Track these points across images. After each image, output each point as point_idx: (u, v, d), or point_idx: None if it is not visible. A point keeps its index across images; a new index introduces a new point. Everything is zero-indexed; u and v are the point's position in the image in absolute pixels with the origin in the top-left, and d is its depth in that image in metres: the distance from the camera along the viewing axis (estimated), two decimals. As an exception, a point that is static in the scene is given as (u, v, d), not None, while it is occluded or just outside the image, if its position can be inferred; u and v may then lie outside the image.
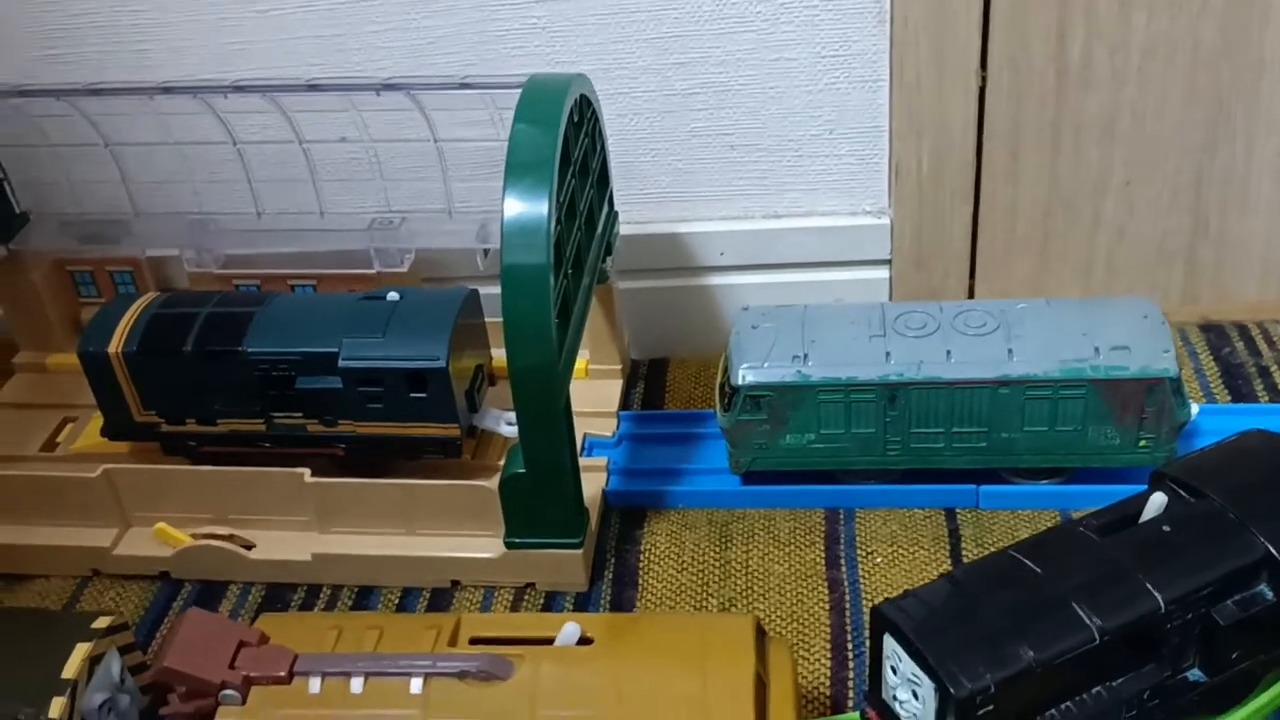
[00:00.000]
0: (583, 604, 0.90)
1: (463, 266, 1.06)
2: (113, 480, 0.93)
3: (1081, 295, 1.11)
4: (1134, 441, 0.90)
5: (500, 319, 0.79)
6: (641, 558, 0.93)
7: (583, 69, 0.95)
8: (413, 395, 0.90)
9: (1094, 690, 0.65)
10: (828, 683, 0.82)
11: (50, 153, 1.05)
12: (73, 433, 1.05)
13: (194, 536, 0.93)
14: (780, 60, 1.03)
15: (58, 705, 0.71)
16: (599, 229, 0.97)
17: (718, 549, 0.93)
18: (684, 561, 0.93)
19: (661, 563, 0.93)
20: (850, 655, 0.84)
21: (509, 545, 0.89)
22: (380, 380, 0.90)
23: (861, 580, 0.89)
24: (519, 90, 0.83)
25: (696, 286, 1.13)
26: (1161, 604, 0.64)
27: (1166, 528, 0.69)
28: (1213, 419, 0.97)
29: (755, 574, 0.91)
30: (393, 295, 0.93)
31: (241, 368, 0.91)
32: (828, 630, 0.86)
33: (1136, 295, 0.94)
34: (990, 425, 0.90)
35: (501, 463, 0.88)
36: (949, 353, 0.89)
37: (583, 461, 0.93)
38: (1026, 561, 0.67)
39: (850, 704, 0.81)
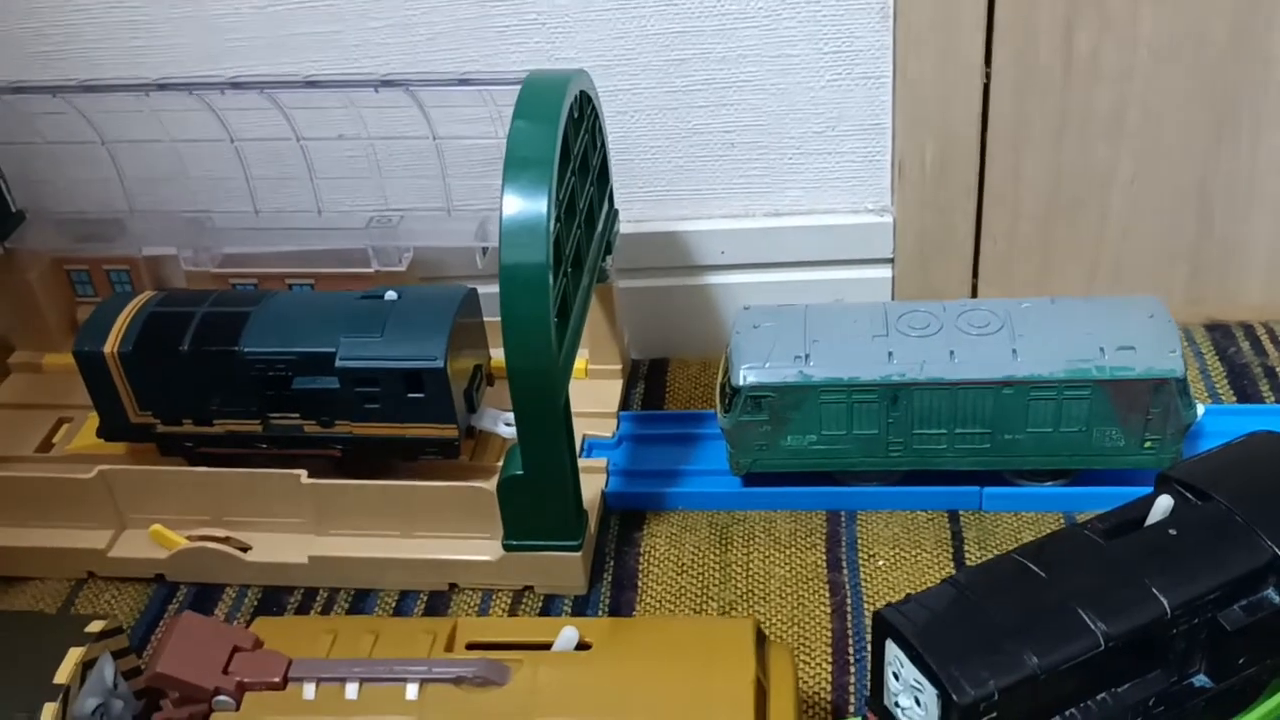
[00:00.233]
0: (581, 607, 0.89)
1: (461, 265, 1.06)
2: (108, 481, 0.93)
3: (1086, 295, 1.09)
4: (1139, 443, 0.89)
5: (499, 318, 0.79)
6: (641, 560, 0.92)
7: (582, 66, 0.94)
8: (410, 395, 0.89)
9: (1099, 696, 0.64)
10: (829, 688, 0.81)
11: (46, 150, 1.04)
12: (68, 433, 1.04)
13: (190, 538, 0.93)
14: (782, 56, 1.02)
15: (49, 711, 0.71)
16: (599, 227, 0.96)
17: (718, 551, 0.93)
18: (684, 564, 0.92)
19: (661, 565, 0.92)
20: (852, 660, 0.83)
21: (507, 547, 0.89)
22: (378, 380, 0.89)
23: (863, 583, 0.89)
24: (518, 87, 0.82)
25: (697, 285, 1.12)
26: (1168, 609, 0.64)
27: (1173, 531, 0.68)
28: (1219, 420, 0.96)
29: (756, 577, 0.90)
30: (390, 294, 0.92)
31: (238, 368, 0.91)
32: (829, 634, 0.85)
33: (1142, 294, 0.93)
34: (994, 426, 0.89)
35: (500, 464, 0.87)
36: (952, 353, 0.88)
37: (582, 463, 0.93)
38: (1030, 565, 0.66)
39: (852, 710, 0.80)
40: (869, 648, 0.67)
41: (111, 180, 1.04)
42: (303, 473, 0.90)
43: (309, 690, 0.70)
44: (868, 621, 0.84)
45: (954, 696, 0.60)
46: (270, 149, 1.02)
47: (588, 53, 1.02)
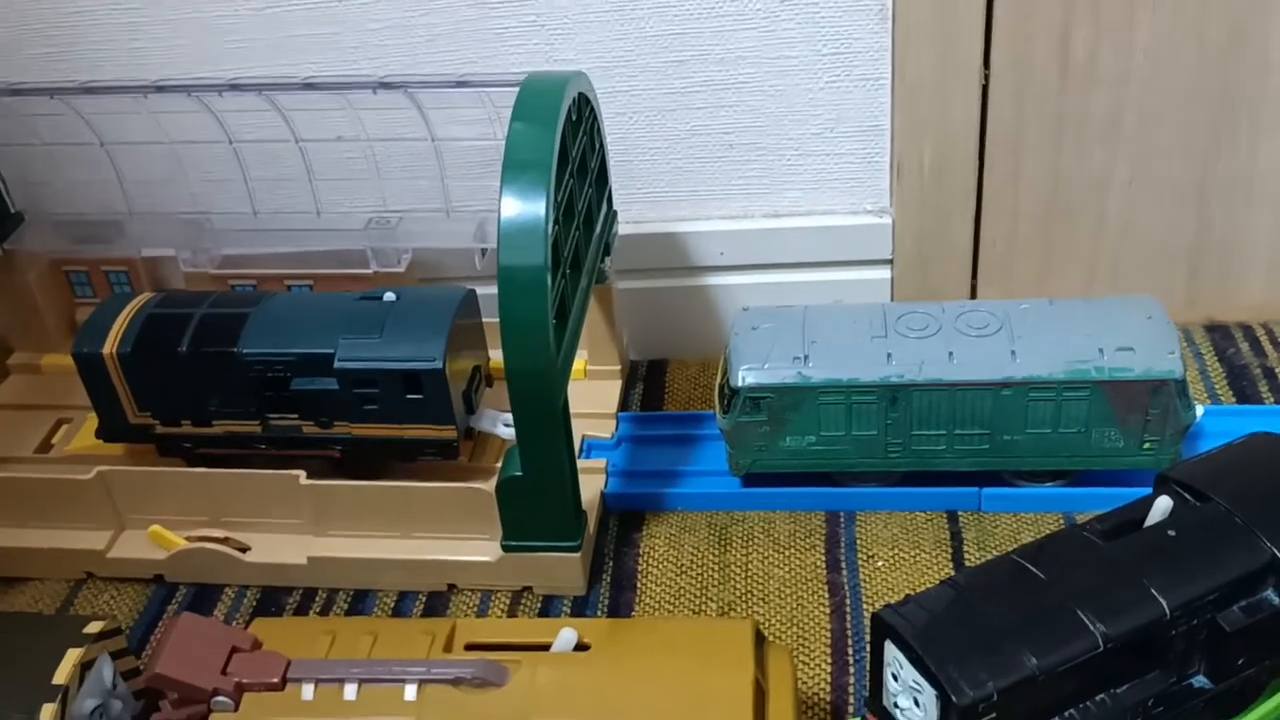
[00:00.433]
0: (580, 607, 0.89)
1: (460, 266, 1.06)
2: (107, 482, 0.93)
3: (1085, 296, 1.09)
4: (1138, 444, 0.89)
5: (498, 320, 0.78)
6: (640, 561, 0.92)
7: (581, 67, 0.94)
8: (409, 397, 0.89)
9: (1098, 697, 0.64)
10: (828, 689, 0.81)
11: (44, 152, 1.04)
12: (67, 434, 1.04)
13: (189, 539, 0.93)
14: (781, 58, 1.02)
15: (48, 712, 0.70)
16: (597, 228, 0.96)
17: (717, 552, 0.92)
18: (683, 565, 0.92)
19: (660, 566, 0.92)
20: (851, 661, 0.83)
21: (506, 548, 0.89)
22: (376, 381, 0.89)
23: (862, 584, 0.89)
24: (516, 88, 0.82)
25: (696, 287, 1.12)
26: (1167, 610, 0.64)
27: (1172, 532, 0.68)
28: (1218, 421, 0.96)
29: (755, 577, 0.90)
30: (389, 295, 0.92)
31: (237, 369, 0.91)
32: (828, 635, 0.85)
33: (1140, 295, 0.93)
34: (993, 427, 0.89)
35: (499, 465, 0.87)
36: (951, 354, 0.88)
37: (581, 463, 0.93)
38: (1029, 566, 0.66)
39: (851, 711, 0.80)
40: (868, 649, 0.67)
41: (110, 182, 1.04)
42: (301, 473, 0.90)
43: (307, 691, 0.70)
44: (867, 622, 0.84)
45: (953, 697, 0.60)
46: (269, 150, 1.02)
47: (586, 54, 1.02)
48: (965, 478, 0.93)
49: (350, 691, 0.70)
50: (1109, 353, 0.87)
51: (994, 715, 0.61)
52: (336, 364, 0.89)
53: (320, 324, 0.91)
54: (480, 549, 0.90)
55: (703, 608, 0.88)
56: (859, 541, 0.92)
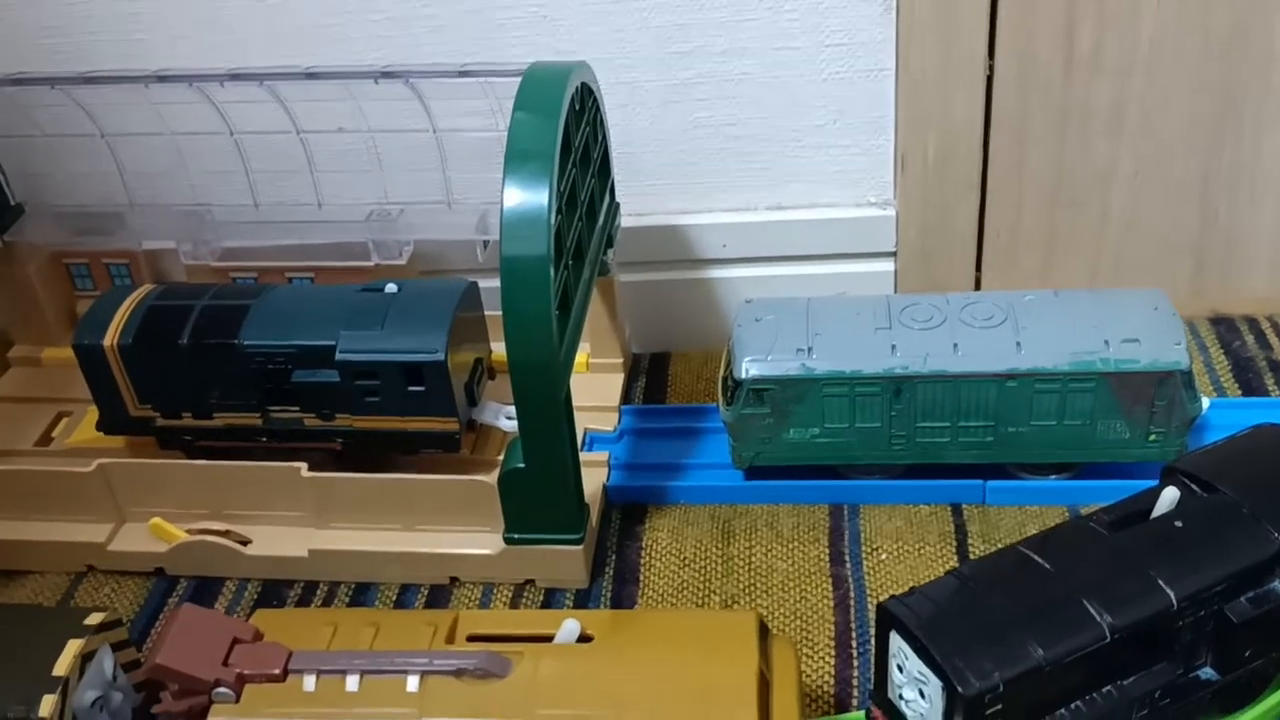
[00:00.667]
0: (583, 601, 0.89)
1: (462, 259, 1.05)
2: (108, 475, 0.92)
3: (1089, 288, 1.09)
4: (1144, 436, 0.88)
5: (500, 312, 0.78)
6: (643, 554, 0.92)
7: (584, 58, 0.94)
8: (411, 389, 0.88)
9: (1104, 689, 0.64)
10: (832, 681, 0.81)
11: (45, 144, 1.04)
12: (68, 427, 1.04)
13: (190, 532, 0.92)
14: (784, 50, 1.01)
15: (48, 703, 0.70)
16: (600, 220, 0.95)
17: (720, 545, 0.92)
18: (686, 558, 0.91)
19: (663, 559, 0.92)
20: (855, 653, 0.83)
21: (508, 541, 0.88)
22: (378, 374, 0.88)
23: (866, 577, 0.88)
24: (519, 79, 0.81)
25: (699, 279, 1.11)
26: (1174, 601, 0.63)
27: (1178, 523, 0.68)
28: (1223, 413, 0.96)
29: (758, 570, 0.90)
30: (391, 287, 0.92)
31: (238, 361, 0.90)
32: (832, 627, 0.85)
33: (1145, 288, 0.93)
34: (997, 419, 0.88)
35: (501, 457, 0.87)
36: (955, 345, 0.87)
37: (583, 456, 0.92)
38: (1035, 557, 0.66)
39: (855, 703, 0.80)
40: (872, 641, 0.67)
41: (111, 173, 1.04)
42: (303, 466, 0.90)
43: (309, 682, 0.70)
44: (870, 615, 0.84)
45: (959, 688, 0.60)
46: (270, 142, 1.02)
47: (589, 45, 1.01)
48: (970, 470, 0.92)
49: (352, 683, 0.69)
50: (1114, 344, 0.86)
51: (1000, 706, 0.60)
52: (338, 356, 0.88)
53: (321, 316, 0.90)
54: (482, 542, 0.89)
55: (706, 601, 0.88)
56: (863, 534, 0.92)
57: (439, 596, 0.91)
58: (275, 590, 0.92)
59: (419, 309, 0.90)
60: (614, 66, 1.02)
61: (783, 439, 0.91)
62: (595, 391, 1.03)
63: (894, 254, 1.09)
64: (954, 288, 1.10)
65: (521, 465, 0.84)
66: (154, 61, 1.02)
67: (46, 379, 1.09)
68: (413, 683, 0.69)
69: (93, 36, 1.03)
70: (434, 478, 0.89)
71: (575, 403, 0.85)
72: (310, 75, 0.94)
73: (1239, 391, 1.03)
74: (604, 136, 0.96)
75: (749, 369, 0.89)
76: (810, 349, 0.89)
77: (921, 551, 0.90)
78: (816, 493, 0.95)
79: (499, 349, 0.83)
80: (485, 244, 0.98)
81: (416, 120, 0.97)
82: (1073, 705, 0.63)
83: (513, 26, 1.01)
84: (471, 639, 0.73)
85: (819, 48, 1.01)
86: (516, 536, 0.88)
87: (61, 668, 0.72)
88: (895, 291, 1.11)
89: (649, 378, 1.11)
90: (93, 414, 0.98)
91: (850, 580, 0.88)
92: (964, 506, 0.93)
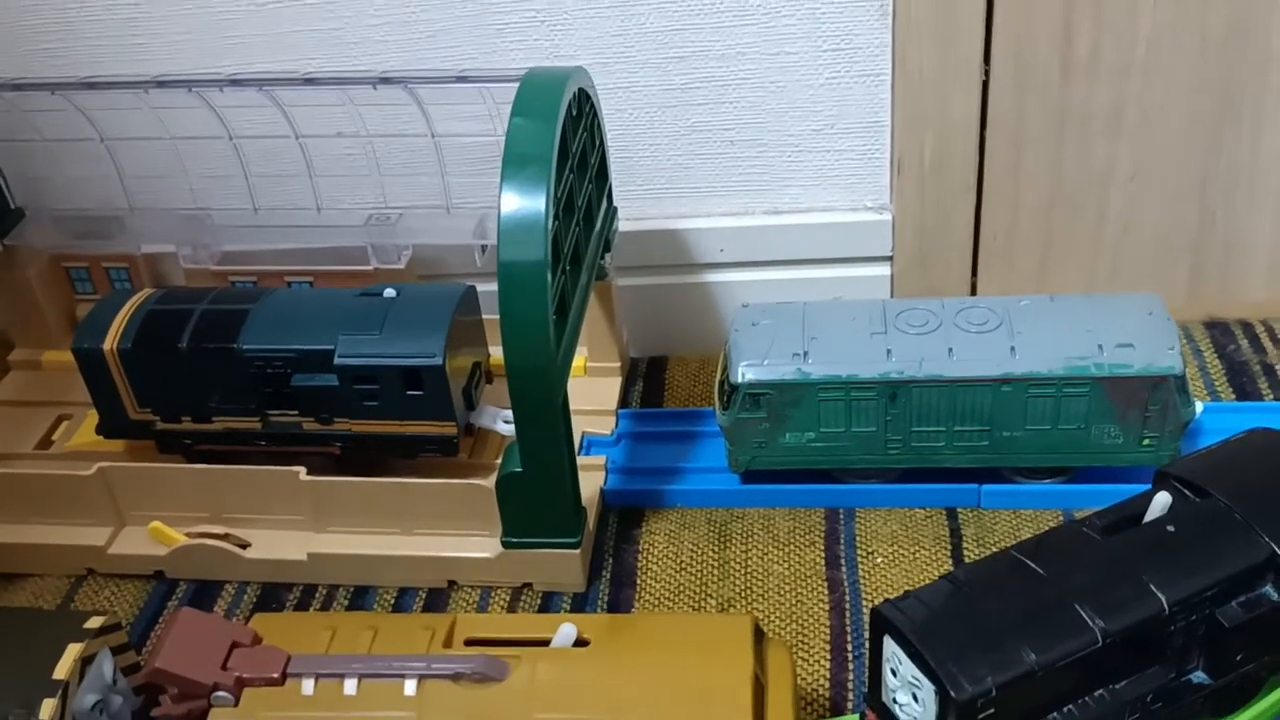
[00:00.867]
0: (580, 604, 0.89)
1: (460, 263, 1.05)
2: (107, 478, 0.93)
3: (1085, 292, 1.09)
4: (1138, 440, 0.89)
5: (498, 316, 0.78)
6: (639, 557, 0.92)
7: (581, 63, 0.94)
8: (409, 393, 0.89)
9: (1097, 693, 0.64)
10: (827, 684, 0.81)
11: (45, 148, 1.04)
12: (68, 430, 1.04)
13: (189, 535, 0.93)
14: (781, 54, 1.02)
15: (48, 707, 0.70)
16: (597, 225, 0.96)
17: (716, 549, 0.92)
18: (682, 561, 0.92)
19: (660, 562, 0.92)
20: (850, 657, 0.83)
21: (506, 545, 0.89)
22: (376, 378, 0.89)
23: (861, 581, 0.89)
24: (517, 84, 0.82)
25: (696, 284, 1.12)
26: (1166, 605, 0.64)
27: (1171, 528, 0.68)
28: (1217, 418, 0.96)
29: (754, 574, 0.90)
30: (389, 292, 0.92)
31: (237, 365, 0.91)
32: (827, 631, 0.85)
33: (1141, 292, 0.93)
34: (992, 424, 0.89)
35: (498, 461, 0.87)
36: (951, 350, 0.88)
37: (581, 460, 0.93)
38: (1028, 562, 0.66)
39: (850, 706, 0.80)
40: (867, 644, 0.67)
41: (111, 177, 1.04)
42: (301, 470, 0.90)
43: (308, 686, 0.70)
44: (866, 619, 0.84)
45: (952, 693, 0.60)
46: (269, 146, 1.02)
47: (586, 50, 1.02)
48: (965, 474, 0.93)
49: (350, 686, 0.70)
50: (1109, 349, 0.87)
51: (993, 711, 0.61)
52: (337, 360, 0.89)
53: (320, 320, 0.91)
54: (480, 545, 0.90)
55: (702, 604, 0.88)
56: (858, 538, 0.92)
57: (437, 600, 0.91)
58: (274, 593, 0.93)
59: (417, 313, 0.90)
60: (611, 71, 1.02)
61: (779, 443, 0.92)
62: (593, 395, 1.03)
63: (890, 258, 1.10)
64: (950, 291, 1.10)
65: (519, 469, 0.84)
66: (154, 66, 1.03)
67: (46, 382, 1.09)
68: (410, 686, 0.70)
69: (92, 41, 1.04)
70: (432, 481, 0.90)
71: (573, 407, 0.85)
72: (309, 80, 0.95)
73: (1233, 396, 1.03)
74: (601, 141, 0.96)
75: (745, 373, 0.89)
76: (806, 353, 0.89)
77: (916, 555, 0.90)
78: (812, 497, 0.95)
79: (497, 353, 0.84)
80: (483, 248, 0.98)
81: (415, 125, 0.98)
82: (1065, 709, 0.64)
83: (511, 32, 1.01)
84: (469, 643, 0.73)
85: (816, 52, 1.02)
86: (514, 540, 0.88)
87: (61, 671, 0.72)
88: (891, 296, 1.11)
89: (646, 382, 1.12)
90: (92, 418, 0.98)
91: (845, 584, 0.89)
92: (959, 510, 0.93)
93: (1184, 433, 0.89)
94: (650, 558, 0.92)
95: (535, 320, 0.78)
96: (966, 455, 0.91)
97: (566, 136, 0.83)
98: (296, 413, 0.92)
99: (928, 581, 0.67)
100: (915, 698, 0.63)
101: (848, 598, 0.87)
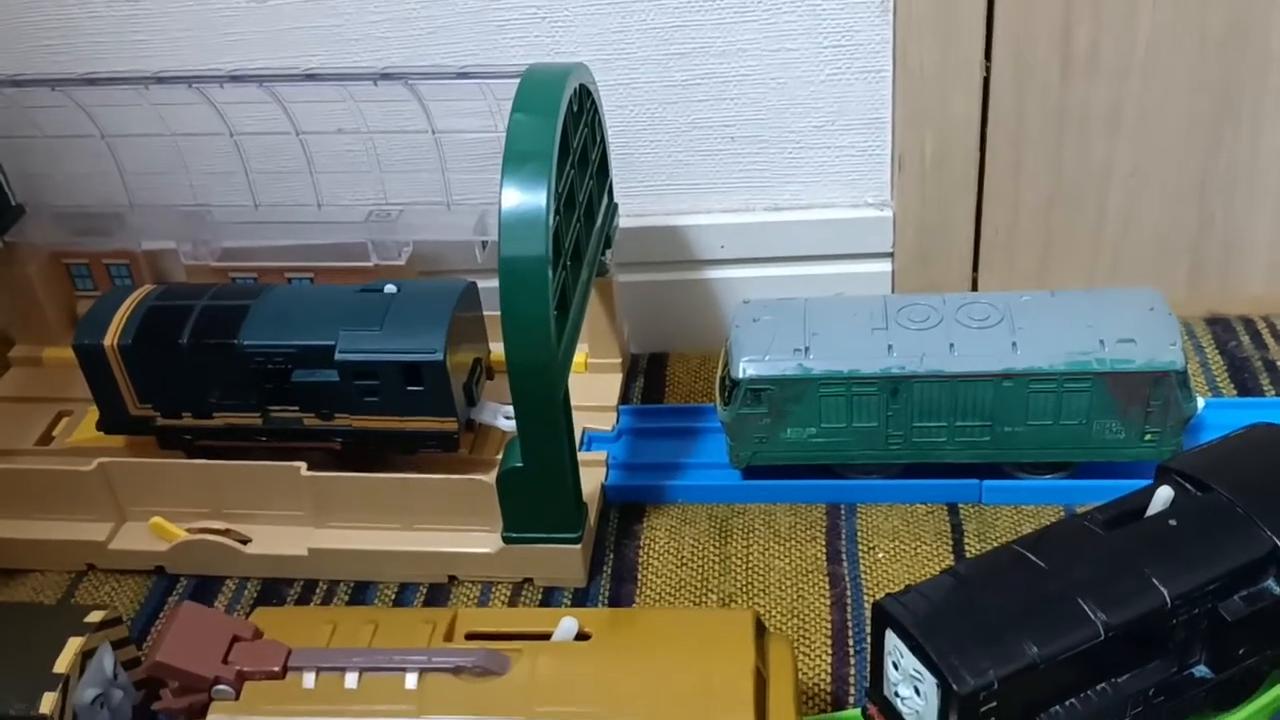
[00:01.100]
0: (581, 600, 0.89)
1: (461, 260, 1.05)
2: (108, 474, 0.93)
3: (1086, 288, 1.09)
4: (1139, 435, 0.89)
5: (499, 312, 0.78)
6: (640, 553, 0.92)
7: (582, 59, 0.94)
8: (410, 389, 0.89)
9: (1099, 687, 0.64)
10: (828, 679, 0.81)
11: (45, 144, 1.04)
12: (68, 426, 1.04)
13: (190, 531, 0.93)
14: (782, 50, 1.02)
15: (49, 700, 0.70)
16: (598, 221, 0.96)
17: (717, 544, 0.92)
18: (683, 557, 0.92)
19: (661, 558, 0.92)
20: (851, 651, 0.83)
21: (507, 540, 0.88)
22: (377, 373, 0.89)
23: (863, 576, 0.89)
24: (517, 80, 0.82)
25: (697, 280, 1.12)
26: (1168, 599, 0.64)
27: (1173, 522, 0.68)
28: (1219, 413, 0.96)
29: (755, 569, 0.90)
30: (390, 288, 0.92)
31: (237, 361, 0.91)
32: (828, 626, 0.85)
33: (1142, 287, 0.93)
34: (994, 419, 0.89)
35: (499, 457, 0.87)
36: (952, 345, 0.88)
37: (581, 456, 0.93)
38: (1030, 556, 0.66)
39: (851, 701, 0.80)
40: (869, 639, 0.67)
41: (111, 174, 1.04)
42: (302, 465, 0.90)
43: (308, 679, 0.70)
44: (867, 613, 0.84)
45: (954, 686, 0.60)
46: (269, 143, 1.02)
47: (587, 46, 1.02)
48: (966, 470, 0.93)
49: (351, 680, 0.70)
50: (1110, 344, 0.87)
51: (995, 704, 0.61)
52: (337, 356, 0.89)
53: (321, 316, 0.91)
54: (481, 541, 0.90)
55: (703, 600, 0.88)
56: (860, 533, 0.92)
57: (438, 595, 0.91)
58: (275, 589, 0.92)
59: (418, 309, 0.90)
60: (612, 67, 1.02)
61: (780, 439, 0.91)
62: (593, 391, 1.03)
63: (891, 255, 1.10)
64: (951, 288, 1.10)
65: (520, 465, 0.84)
66: (154, 63, 1.03)
67: (47, 379, 1.09)
68: (411, 680, 0.70)
69: (93, 38, 1.04)
70: (433, 477, 0.89)
71: (574, 403, 0.85)
72: (310, 76, 0.95)
73: (1234, 392, 1.03)
74: (602, 137, 0.96)
75: (746, 369, 0.89)
76: (807, 349, 0.89)
77: (918, 550, 0.90)
78: (813, 492, 0.95)
79: (498, 349, 0.83)
80: (484, 244, 0.98)
81: (415, 121, 0.98)
82: (1067, 703, 0.64)
83: (511, 28, 1.01)
84: (470, 637, 0.73)
85: (816, 49, 1.02)
86: (515, 535, 0.88)
87: (62, 665, 0.72)
88: (892, 292, 1.11)
89: (647, 378, 1.12)
90: (93, 414, 0.98)
91: (847, 579, 0.88)
92: (960, 506, 0.93)
93: (1186, 428, 0.89)
94: (651, 553, 0.92)
95: (536, 316, 0.78)
96: (968, 450, 0.91)
97: (567, 132, 0.83)
98: (297, 408, 0.92)
99: (929, 576, 0.67)
100: (917, 691, 0.63)
101: (849, 593, 0.87)
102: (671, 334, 1.14)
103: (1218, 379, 1.05)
